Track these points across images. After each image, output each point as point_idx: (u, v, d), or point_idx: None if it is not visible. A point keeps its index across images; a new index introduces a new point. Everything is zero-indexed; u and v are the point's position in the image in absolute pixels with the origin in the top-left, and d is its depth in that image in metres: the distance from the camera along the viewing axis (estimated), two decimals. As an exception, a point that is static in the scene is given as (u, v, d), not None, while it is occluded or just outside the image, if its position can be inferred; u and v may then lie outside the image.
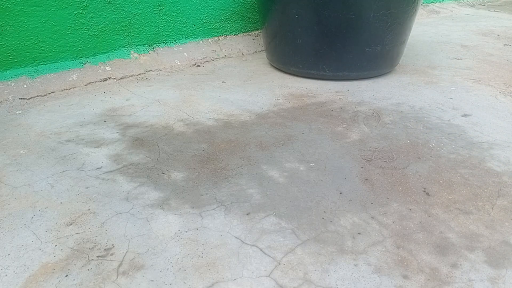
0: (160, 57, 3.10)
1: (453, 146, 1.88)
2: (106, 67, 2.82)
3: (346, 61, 2.70)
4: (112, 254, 1.23)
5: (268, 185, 1.58)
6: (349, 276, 1.16)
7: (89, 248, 1.25)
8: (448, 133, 2.01)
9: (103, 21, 2.81)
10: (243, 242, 1.28)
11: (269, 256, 1.23)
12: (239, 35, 3.62)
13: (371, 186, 1.58)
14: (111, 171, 1.67)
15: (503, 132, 2.02)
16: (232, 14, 3.51)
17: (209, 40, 3.43)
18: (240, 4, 3.53)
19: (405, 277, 1.16)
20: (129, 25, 2.95)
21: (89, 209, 1.43)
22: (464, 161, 1.76)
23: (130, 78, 2.82)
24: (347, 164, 1.74)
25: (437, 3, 5.77)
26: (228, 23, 3.52)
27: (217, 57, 3.34)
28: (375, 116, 2.22)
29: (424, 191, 1.55)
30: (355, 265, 1.19)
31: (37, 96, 2.47)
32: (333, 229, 1.34)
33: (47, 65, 2.63)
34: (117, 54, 2.92)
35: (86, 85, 2.66)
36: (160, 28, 3.12)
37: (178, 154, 1.81)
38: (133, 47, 3.01)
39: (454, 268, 1.19)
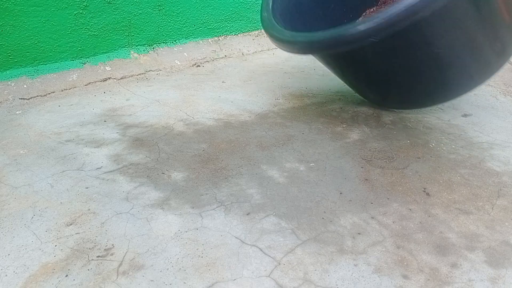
0: (160, 57, 3.10)
1: (453, 146, 1.88)
2: (106, 67, 2.82)
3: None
4: (112, 254, 1.23)
5: (268, 185, 1.58)
6: (349, 276, 1.16)
7: (89, 248, 1.25)
8: (448, 133, 2.01)
9: (103, 21, 2.81)
10: (243, 242, 1.28)
11: (269, 256, 1.23)
12: (239, 35, 3.62)
13: (371, 186, 1.58)
14: (111, 171, 1.67)
15: (503, 132, 2.02)
16: (232, 14, 3.51)
17: (209, 40, 3.43)
18: (240, 4, 3.53)
19: (405, 277, 1.16)
20: (129, 25, 2.95)
21: (89, 209, 1.43)
22: (464, 161, 1.76)
23: (130, 78, 2.82)
24: (347, 164, 1.74)
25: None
26: (228, 23, 3.52)
27: (217, 57, 3.34)
28: (375, 116, 2.22)
29: (424, 191, 1.55)
30: (355, 265, 1.19)
31: (37, 96, 2.47)
32: (333, 229, 1.34)
33: (47, 65, 2.63)
34: (117, 54, 2.92)
35: (86, 85, 2.66)
36: (160, 28, 3.12)
37: (178, 154, 1.81)
38: (133, 47, 3.01)
39: (454, 268, 1.19)
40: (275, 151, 1.84)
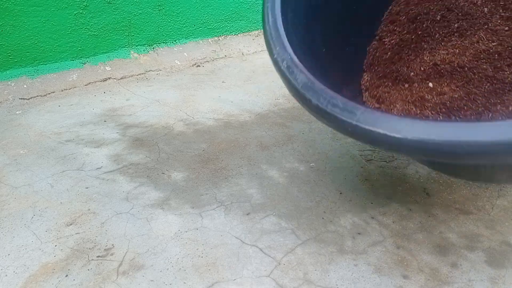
0: (160, 57, 3.10)
1: (453, 146, 1.88)
2: (106, 67, 2.82)
3: None
4: (112, 254, 1.23)
5: (268, 185, 1.58)
6: (349, 276, 1.16)
7: (89, 248, 1.25)
8: (448, 133, 2.01)
9: (103, 21, 2.81)
10: (243, 242, 1.28)
11: (269, 256, 1.23)
12: (239, 35, 3.62)
13: (371, 186, 1.58)
14: (111, 171, 1.67)
15: (503, 132, 2.02)
16: (232, 14, 3.51)
17: (209, 40, 3.43)
18: (240, 4, 3.53)
19: (405, 277, 1.16)
20: (129, 25, 2.95)
21: (89, 209, 1.43)
22: (464, 161, 1.76)
23: (130, 78, 2.82)
24: (347, 164, 1.74)
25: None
26: (228, 23, 3.52)
27: (217, 57, 3.34)
28: (375, 116, 2.22)
29: (424, 191, 1.55)
30: (355, 265, 1.19)
31: (37, 96, 2.47)
32: (333, 229, 1.34)
33: (47, 65, 2.63)
34: (117, 54, 2.92)
35: (86, 85, 2.66)
36: (160, 28, 3.12)
37: (178, 154, 1.81)
38: (133, 47, 3.01)
39: (454, 268, 1.19)
40: (275, 151, 1.84)
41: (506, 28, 1.50)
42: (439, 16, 1.67)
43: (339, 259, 1.22)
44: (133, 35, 2.99)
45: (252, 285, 1.12)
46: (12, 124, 2.11)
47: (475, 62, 1.51)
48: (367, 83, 1.73)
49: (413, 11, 1.73)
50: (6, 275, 1.15)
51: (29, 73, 2.56)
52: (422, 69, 1.62)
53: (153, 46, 3.12)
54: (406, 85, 1.62)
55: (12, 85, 2.47)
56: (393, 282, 1.14)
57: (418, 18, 1.71)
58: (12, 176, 1.63)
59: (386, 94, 1.64)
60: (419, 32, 1.69)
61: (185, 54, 3.22)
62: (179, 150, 1.84)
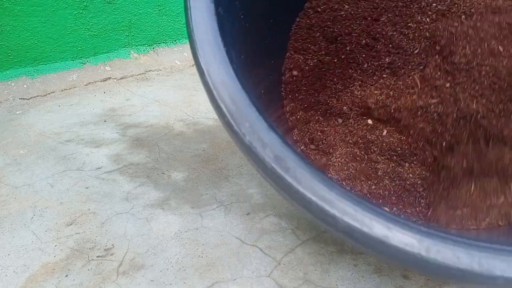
0: (160, 57, 3.10)
1: (453, 146, 1.88)
2: (106, 67, 2.82)
3: None
4: (112, 254, 1.23)
5: (268, 185, 1.58)
6: (349, 276, 1.16)
7: (89, 248, 1.25)
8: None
9: (103, 21, 2.81)
10: (243, 242, 1.28)
11: (269, 256, 1.23)
12: (239, 35, 3.62)
13: (371, 186, 1.58)
14: (111, 171, 1.67)
15: (503, 132, 2.02)
16: (232, 14, 3.51)
17: (209, 40, 3.43)
18: (240, 4, 3.53)
19: (405, 277, 1.16)
20: (129, 25, 2.95)
21: (89, 209, 1.43)
22: (464, 161, 1.76)
23: (130, 78, 2.82)
24: (347, 164, 1.74)
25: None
26: (228, 23, 3.51)
27: (217, 57, 3.34)
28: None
29: (424, 191, 1.54)
30: (355, 265, 1.20)
31: (37, 96, 2.47)
32: (333, 229, 1.34)
33: (47, 65, 2.63)
34: (117, 54, 2.92)
35: (86, 85, 2.66)
36: (160, 28, 3.12)
37: (178, 154, 1.81)
38: (133, 47, 3.01)
39: (454, 268, 1.19)
40: (275, 151, 1.84)
41: (448, 85, 1.27)
42: (364, 41, 1.45)
43: (339, 259, 1.22)
44: (133, 35, 2.99)
45: (252, 285, 1.12)
46: (12, 124, 2.11)
47: (411, 119, 1.32)
48: (294, 119, 1.44)
49: (331, 29, 1.48)
50: (6, 275, 1.15)
51: (29, 73, 2.56)
52: (354, 103, 1.43)
53: (153, 46, 3.12)
54: (340, 121, 1.40)
55: (12, 85, 2.47)
56: (393, 282, 1.14)
57: (339, 39, 1.47)
58: (12, 176, 1.63)
59: (320, 133, 1.38)
60: (343, 56, 1.46)
61: (185, 54, 3.22)
62: (179, 150, 1.84)
